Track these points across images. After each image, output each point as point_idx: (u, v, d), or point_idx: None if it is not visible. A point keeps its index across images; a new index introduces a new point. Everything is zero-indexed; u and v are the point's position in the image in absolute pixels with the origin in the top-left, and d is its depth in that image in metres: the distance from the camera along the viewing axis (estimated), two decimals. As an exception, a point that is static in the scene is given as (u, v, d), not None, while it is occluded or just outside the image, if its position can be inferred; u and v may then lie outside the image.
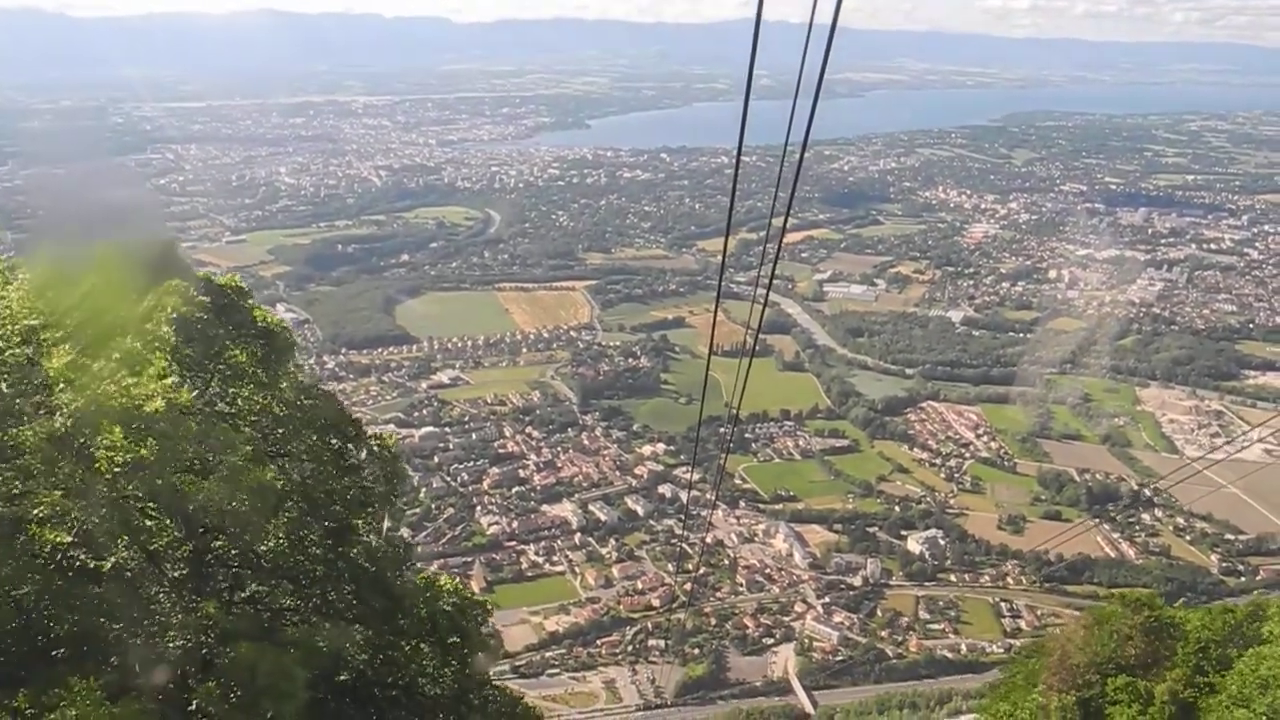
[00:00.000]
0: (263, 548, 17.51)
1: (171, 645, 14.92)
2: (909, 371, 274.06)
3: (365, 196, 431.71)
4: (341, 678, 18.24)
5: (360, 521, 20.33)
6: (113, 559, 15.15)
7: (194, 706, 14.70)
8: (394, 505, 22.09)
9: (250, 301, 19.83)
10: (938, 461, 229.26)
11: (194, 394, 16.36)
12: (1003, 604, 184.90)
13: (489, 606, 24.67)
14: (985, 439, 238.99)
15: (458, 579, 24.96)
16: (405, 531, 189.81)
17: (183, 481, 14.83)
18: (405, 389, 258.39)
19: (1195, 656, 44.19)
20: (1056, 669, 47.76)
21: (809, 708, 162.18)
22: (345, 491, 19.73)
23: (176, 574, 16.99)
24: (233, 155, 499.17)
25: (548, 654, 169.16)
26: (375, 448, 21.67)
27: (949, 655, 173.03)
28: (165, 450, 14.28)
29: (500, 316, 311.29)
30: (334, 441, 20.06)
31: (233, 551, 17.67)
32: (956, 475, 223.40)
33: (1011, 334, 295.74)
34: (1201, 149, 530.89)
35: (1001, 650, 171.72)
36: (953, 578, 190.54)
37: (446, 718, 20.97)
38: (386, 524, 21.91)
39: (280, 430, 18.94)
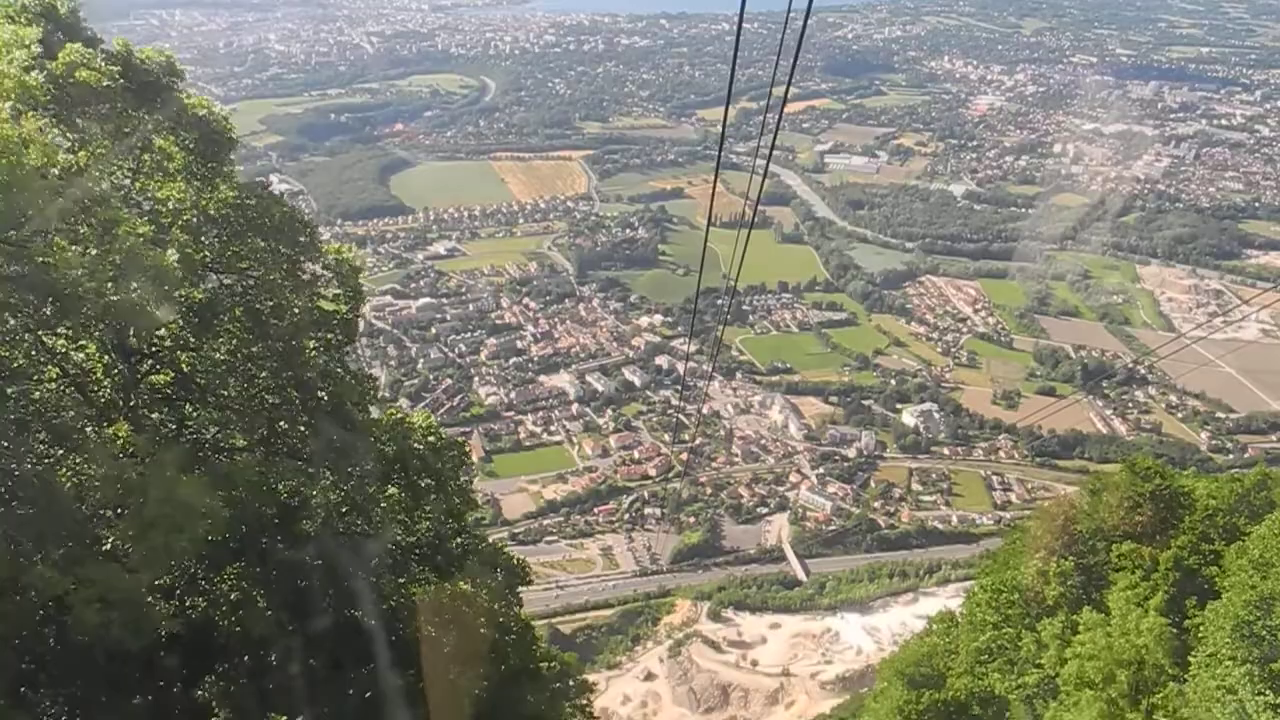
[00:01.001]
0: (199, 367, 15.34)
1: (90, 473, 12.88)
2: (909, 245, 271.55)
3: (357, 64, 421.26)
4: (304, 525, 16.43)
5: (315, 343, 17.75)
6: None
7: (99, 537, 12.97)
8: (353, 328, 19.35)
9: (182, 86, 16.34)
10: (935, 336, 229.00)
11: (102, 182, 13.90)
12: (994, 477, 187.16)
13: (467, 448, 21.92)
14: (983, 314, 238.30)
15: (432, 416, 22.28)
16: (404, 402, 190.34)
17: (55, 251, 11.95)
18: (402, 260, 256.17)
19: (1202, 524, 43.83)
20: (1059, 535, 47.41)
21: (801, 574, 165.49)
22: (298, 308, 16.99)
23: (103, 399, 14.86)
24: (219, 21, 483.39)
25: (546, 522, 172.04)
26: (333, 260, 18.97)
27: (940, 526, 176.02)
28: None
29: (496, 186, 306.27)
30: (284, 250, 17.07)
31: (166, 376, 15.51)
32: (953, 350, 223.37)
33: (1013, 209, 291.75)
34: (1219, 19, 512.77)
35: (991, 522, 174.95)
36: (945, 451, 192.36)
37: (421, 568, 19.49)
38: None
39: (217, 234, 16.03)
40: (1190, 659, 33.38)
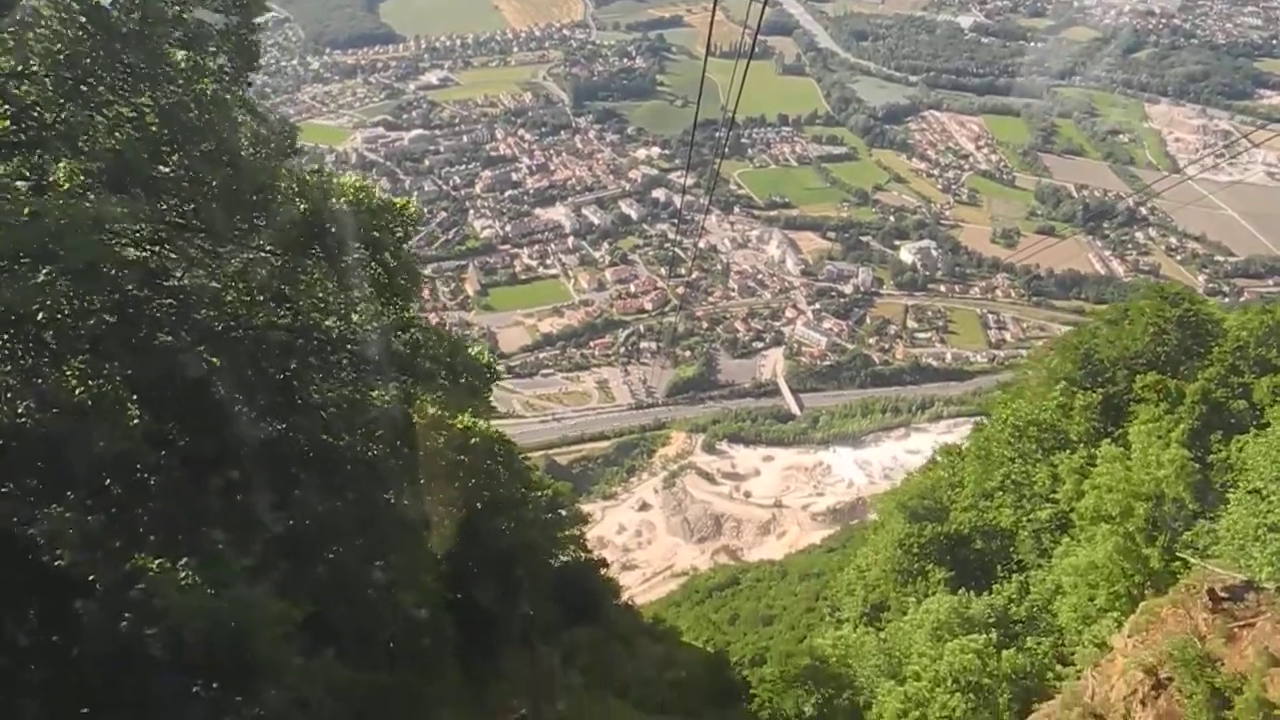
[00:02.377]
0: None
1: None
2: (912, 79, 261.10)
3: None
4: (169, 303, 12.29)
5: (187, 61, 12.51)
6: None
7: None
8: (251, 51, 13.52)
9: None
10: (936, 172, 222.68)
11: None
12: (990, 316, 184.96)
13: (411, 210, 16.47)
14: (985, 151, 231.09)
15: (368, 179, 16.94)
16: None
17: None
18: (393, 90, 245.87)
19: (1231, 356, 40.82)
20: (1081, 365, 44.31)
21: (795, 409, 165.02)
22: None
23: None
24: None
25: (542, 355, 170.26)
26: None
27: (934, 363, 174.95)
28: None
29: (489, 14, 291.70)
30: None
31: None
32: (954, 187, 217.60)
33: (1022, 42, 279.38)
34: None
35: (985, 360, 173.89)
36: (942, 288, 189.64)
37: (361, 368, 15.36)
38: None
39: None
40: (1229, 495, 30.87)
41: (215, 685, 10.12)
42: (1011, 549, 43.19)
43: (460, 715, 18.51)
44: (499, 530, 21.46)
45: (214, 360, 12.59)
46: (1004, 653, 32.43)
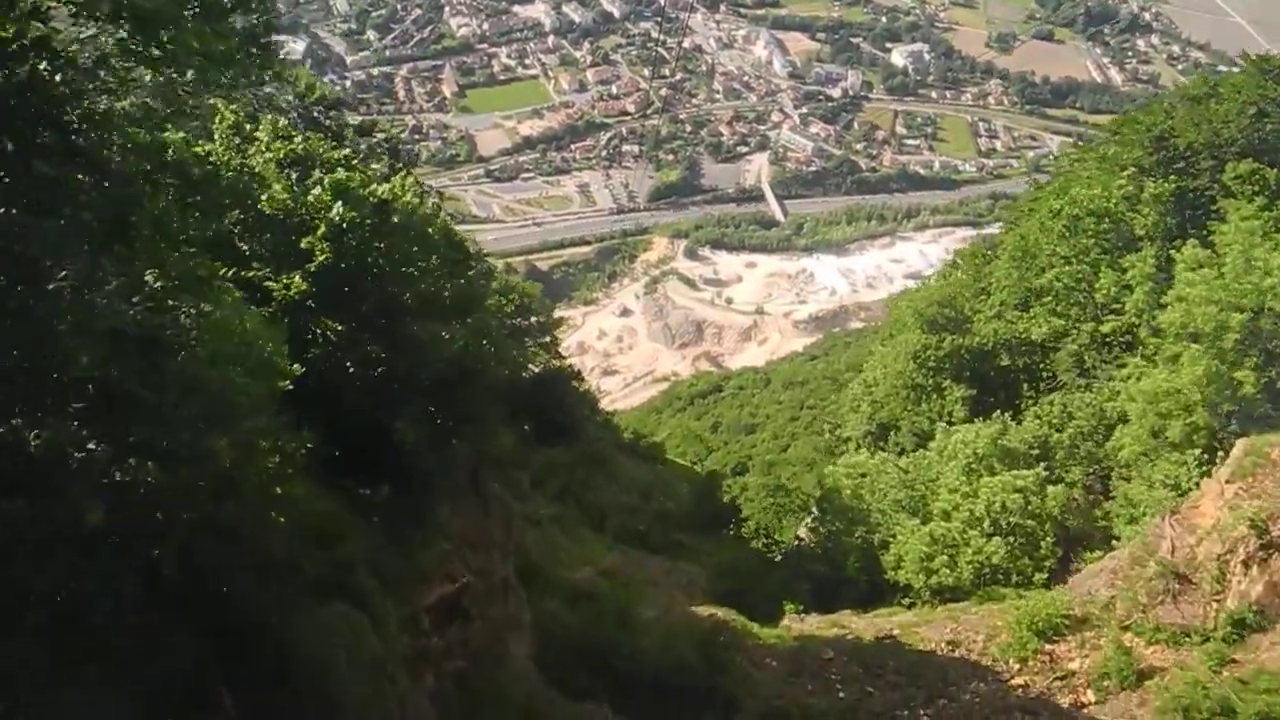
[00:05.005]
0: None
1: None
2: None
3: None
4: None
5: None
6: None
7: None
8: None
9: None
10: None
11: None
12: (981, 124, 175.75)
13: None
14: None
15: None
16: (371, 34, 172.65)
17: None
18: None
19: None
20: (1153, 150, 36.93)
21: (779, 215, 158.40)
22: None
23: None
24: None
25: (522, 159, 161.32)
26: None
27: (921, 171, 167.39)
28: None
29: None
30: None
31: None
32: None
33: None
34: None
35: (974, 169, 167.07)
36: (933, 94, 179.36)
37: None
38: None
39: None
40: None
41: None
42: (1043, 366, 37.99)
43: (373, 603, 14.06)
44: (435, 339, 17.18)
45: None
46: (1049, 489, 27.78)
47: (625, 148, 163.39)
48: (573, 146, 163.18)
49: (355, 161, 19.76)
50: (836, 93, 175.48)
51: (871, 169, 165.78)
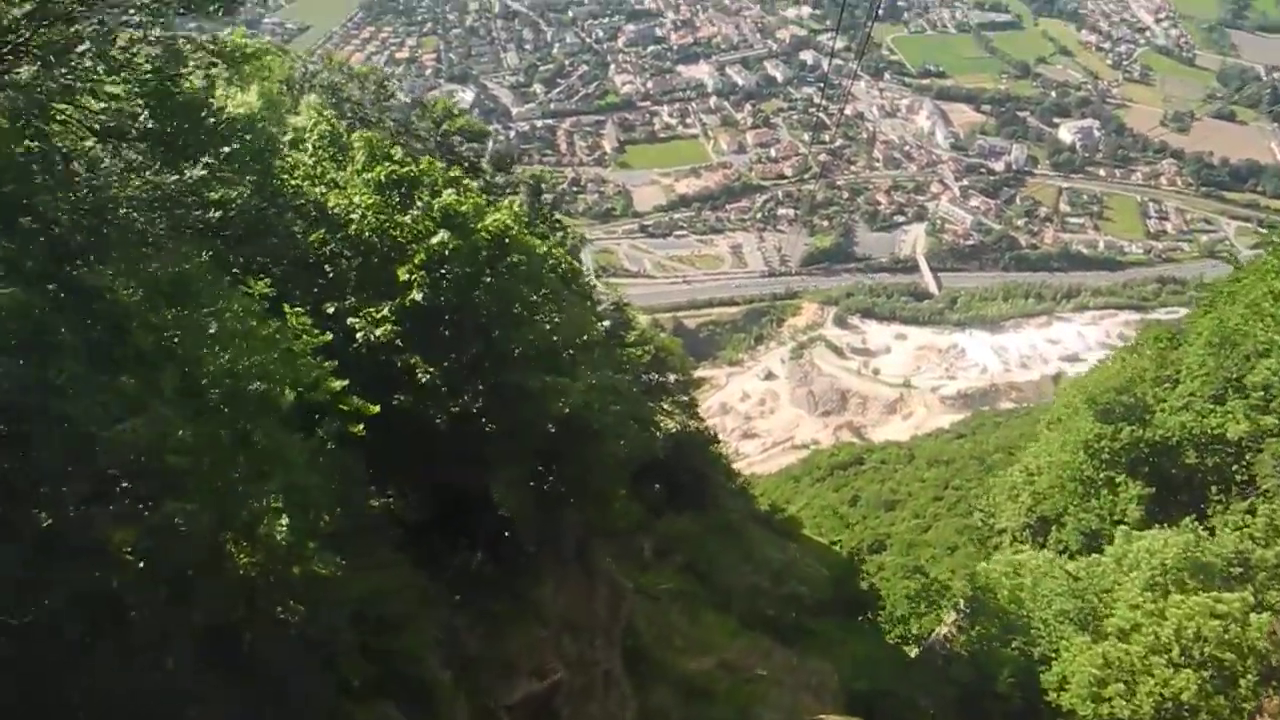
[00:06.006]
0: None
1: None
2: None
3: None
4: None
5: None
6: None
7: None
8: None
9: None
10: (1106, 46, 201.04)
11: None
12: (1151, 204, 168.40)
13: None
14: (1166, 25, 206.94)
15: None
16: (538, 87, 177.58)
17: None
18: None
19: None
20: None
21: (933, 287, 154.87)
22: None
23: None
24: None
25: (676, 216, 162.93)
26: None
27: (1084, 250, 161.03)
28: None
29: None
30: None
31: None
32: (1125, 63, 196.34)
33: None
34: None
35: (1141, 251, 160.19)
36: (1101, 172, 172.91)
37: None
38: None
39: None
40: None
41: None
42: (1238, 468, 34.31)
43: (439, 701, 12.47)
44: (547, 393, 14.71)
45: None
46: (1254, 618, 23.99)
47: (780, 211, 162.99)
48: (728, 207, 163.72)
49: (468, 183, 17.86)
50: (999, 166, 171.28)
51: (1031, 245, 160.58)
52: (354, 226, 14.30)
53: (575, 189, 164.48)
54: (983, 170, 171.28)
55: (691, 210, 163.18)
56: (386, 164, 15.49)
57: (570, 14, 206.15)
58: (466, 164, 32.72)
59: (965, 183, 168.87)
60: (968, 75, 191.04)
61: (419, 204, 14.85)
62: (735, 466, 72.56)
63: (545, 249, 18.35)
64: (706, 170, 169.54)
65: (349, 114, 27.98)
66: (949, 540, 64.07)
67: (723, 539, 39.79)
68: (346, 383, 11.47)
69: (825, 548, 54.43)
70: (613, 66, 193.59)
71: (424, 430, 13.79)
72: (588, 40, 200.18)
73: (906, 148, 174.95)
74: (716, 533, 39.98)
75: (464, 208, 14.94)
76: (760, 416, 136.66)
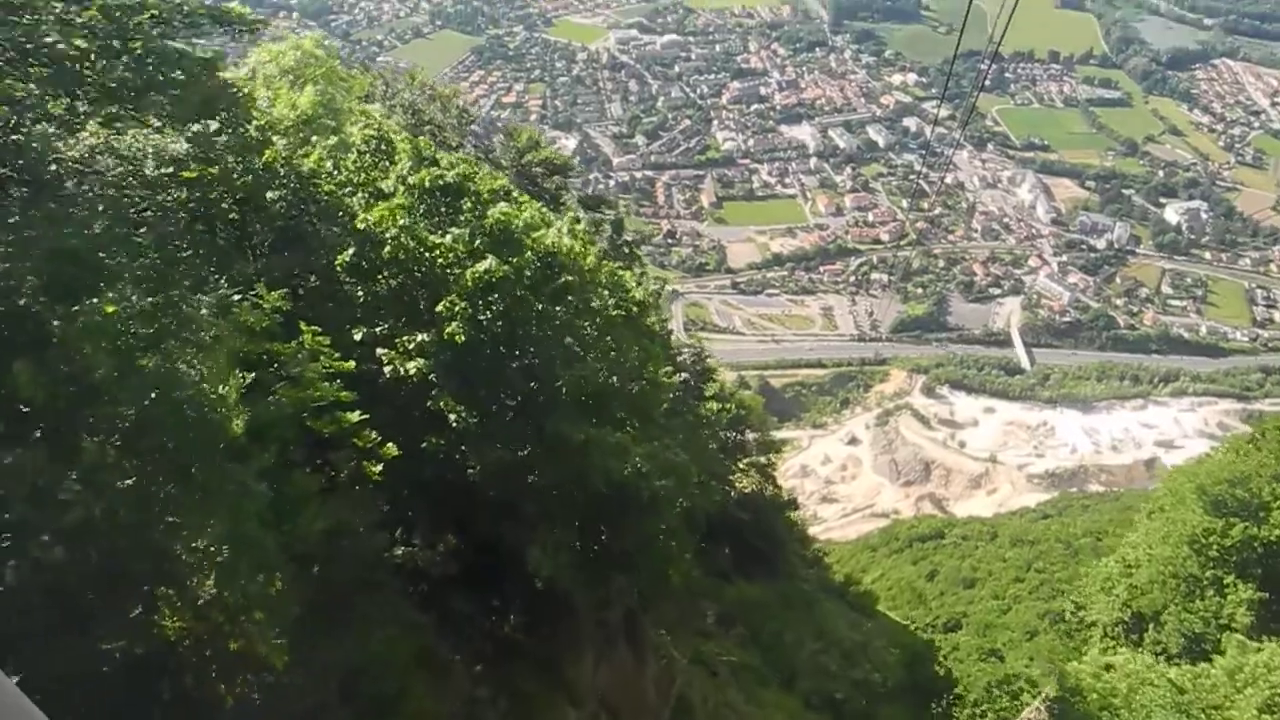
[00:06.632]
0: None
1: None
2: (1208, 22, 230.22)
3: None
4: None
5: None
6: None
7: None
8: None
9: None
10: (1219, 127, 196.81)
11: None
12: (1258, 291, 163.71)
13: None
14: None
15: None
16: (640, 139, 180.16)
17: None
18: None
19: None
20: None
21: (1025, 363, 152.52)
22: None
23: None
24: None
25: (769, 274, 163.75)
26: None
27: (1185, 334, 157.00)
28: None
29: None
30: None
31: None
32: (1237, 145, 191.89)
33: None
34: None
35: (1246, 339, 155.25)
36: (1207, 255, 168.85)
37: None
38: None
39: None
40: None
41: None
42: None
43: None
44: (598, 448, 12.99)
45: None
46: None
47: (874, 276, 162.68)
48: (821, 268, 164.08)
49: (521, 196, 16.12)
50: (1100, 244, 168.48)
51: (1130, 326, 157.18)
52: (387, 249, 12.98)
53: (670, 241, 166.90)
54: (1083, 247, 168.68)
55: (785, 270, 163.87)
56: (431, 169, 14.18)
57: (677, 69, 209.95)
58: (547, 196, 32.39)
59: (1064, 258, 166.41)
60: (1073, 150, 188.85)
61: (464, 219, 13.43)
62: (812, 531, 72.12)
63: (611, 270, 16.71)
64: (802, 231, 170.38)
65: (428, 134, 27.35)
66: (1029, 624, 62.88)
67: (792, 611, 38.19)
68: (366, 416, 10.51)
69: (900, 626, 53.55)
70: (715, 122, 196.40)
71: (457, 478, 12.51)
72: (692, 95, 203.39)
73: (1006, 220, 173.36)
74: (786, 604, 38.50)
75: (518, 220, 13.58)
76: (841, 481, 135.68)
